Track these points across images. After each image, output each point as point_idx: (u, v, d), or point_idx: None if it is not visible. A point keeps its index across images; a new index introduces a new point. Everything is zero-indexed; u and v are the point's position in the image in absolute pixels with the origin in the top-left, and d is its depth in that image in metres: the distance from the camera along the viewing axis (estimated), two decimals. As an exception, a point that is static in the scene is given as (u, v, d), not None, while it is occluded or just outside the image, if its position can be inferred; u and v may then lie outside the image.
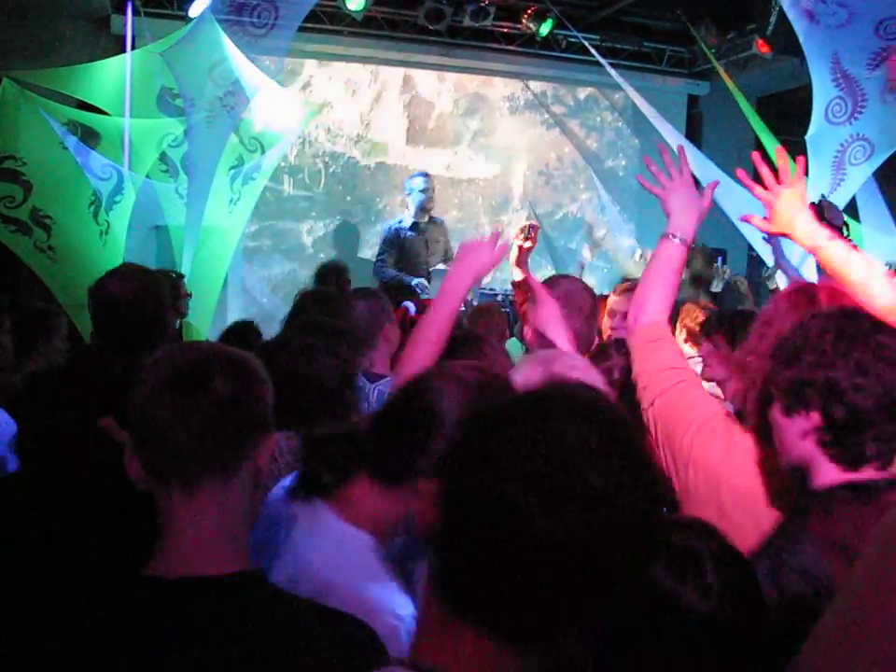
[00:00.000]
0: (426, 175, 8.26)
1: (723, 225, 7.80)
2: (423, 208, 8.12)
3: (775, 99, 9.83)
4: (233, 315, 8.13)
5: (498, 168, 10.10)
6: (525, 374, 2.14)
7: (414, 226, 8.11)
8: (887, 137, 6.19)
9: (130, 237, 6.75)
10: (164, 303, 2.94)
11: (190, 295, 5.92)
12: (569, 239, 10.31)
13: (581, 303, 3.22)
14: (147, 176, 6.95)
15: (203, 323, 6.71)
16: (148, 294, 2.85)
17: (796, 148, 6.79)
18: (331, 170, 9.49)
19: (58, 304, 5.80)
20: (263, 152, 7.18)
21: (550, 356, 2.30)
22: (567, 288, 3.23)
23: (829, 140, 6.33)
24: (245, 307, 8.58)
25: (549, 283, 3.23)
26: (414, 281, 7.63)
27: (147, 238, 7.48)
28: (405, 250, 8.06)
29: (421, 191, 8.07)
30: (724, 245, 9.25)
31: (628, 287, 4.29)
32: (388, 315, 3.84)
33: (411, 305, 5.47)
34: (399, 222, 8.22)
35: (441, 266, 7.85)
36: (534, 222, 4.27)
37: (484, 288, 7.53)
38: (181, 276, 5.99)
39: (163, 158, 7.11)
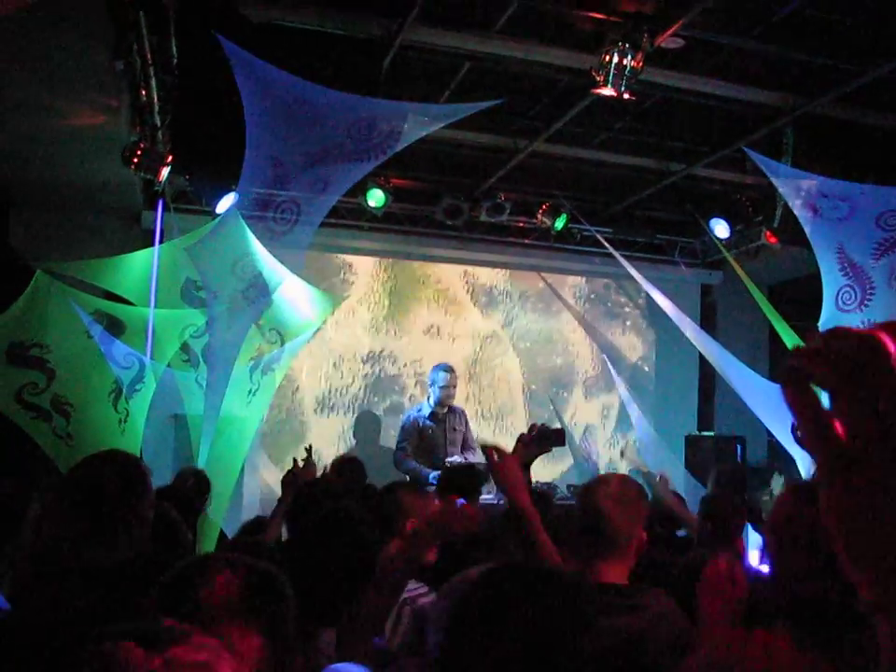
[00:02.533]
0: (448, 369, 8.32)
1: (743, 413, 7.80)
2: (441, 403, 8.19)
3: (786, 286, 10.01)
4: (249, 505, 8.06)
5: (517, 360, 10.21)
6: None
7: (433, 415, 8.15)
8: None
9: (148, 425, 6.79)
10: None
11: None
12: (585, 430, 10.29)
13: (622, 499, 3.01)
14: (168, 366, 7.05)
15: (218, 512, 6.63)
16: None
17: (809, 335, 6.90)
18: (349, 360, 9.62)
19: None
20: (283, 344, 7.27)
21: None
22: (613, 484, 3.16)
23: (841, 327, 6.40)
24: (263, 498, 8.48)
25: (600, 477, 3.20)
26: (432, 475, 7.58)
27: (166, 426, 7.53)
28: (424, 440, 8.08)
29: (441, 387, 8.19)
30: (744, 432, 9.20)
31: None
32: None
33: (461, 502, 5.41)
34: (419, 411, 8.27)
35: (456, 458, 7.83)
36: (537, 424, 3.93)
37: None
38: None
39: (185, 348, 7.23)
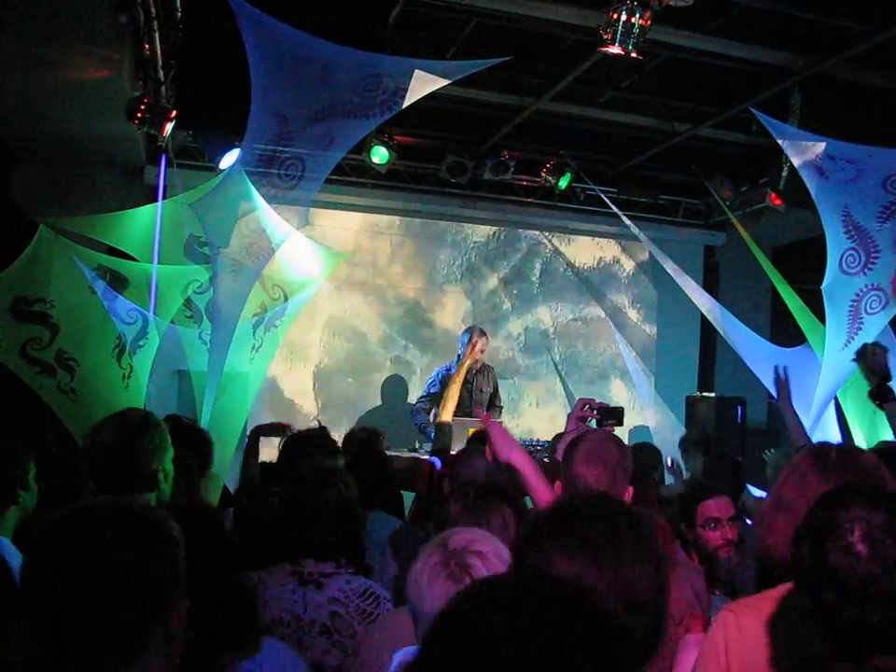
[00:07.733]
0: (476, 330, 8.36)
1: (743, 374, 7.82)
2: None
3: (790, 249, 9.99)
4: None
5: (521, 319, 10.22)
6: (422, 562, 2.07)
7: None
8: (901, 287, 6.26)
9: (152, 381, 6.80)
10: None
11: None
12: (586, 391, 10.29)
13: (605, 456, 3.10)
14: (172, 322, 7.05)
15: (222, 469, 6.67)
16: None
17: (813, 297, 6.89)
18: (356, 318, 9.64)
19: (75, 446, 5.78)
20: (286, 300, 7.27)
21: (448, 535, 2.16)
22: (591, 439, 3.18)
23: (844, 290, 6.39)
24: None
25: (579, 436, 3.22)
26: (433, 434, 7.58)
27: (169, 382, 7.55)
28: None
29: (469, 346, 8.18)
30: (744, 393, 9.23)
31: None
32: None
33: (437, 461, 5.59)
34: (448, 369, 8.32)
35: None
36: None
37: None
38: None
39: (188, 304, 7.22)
